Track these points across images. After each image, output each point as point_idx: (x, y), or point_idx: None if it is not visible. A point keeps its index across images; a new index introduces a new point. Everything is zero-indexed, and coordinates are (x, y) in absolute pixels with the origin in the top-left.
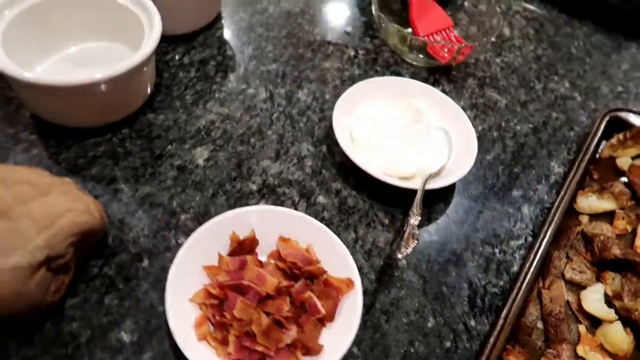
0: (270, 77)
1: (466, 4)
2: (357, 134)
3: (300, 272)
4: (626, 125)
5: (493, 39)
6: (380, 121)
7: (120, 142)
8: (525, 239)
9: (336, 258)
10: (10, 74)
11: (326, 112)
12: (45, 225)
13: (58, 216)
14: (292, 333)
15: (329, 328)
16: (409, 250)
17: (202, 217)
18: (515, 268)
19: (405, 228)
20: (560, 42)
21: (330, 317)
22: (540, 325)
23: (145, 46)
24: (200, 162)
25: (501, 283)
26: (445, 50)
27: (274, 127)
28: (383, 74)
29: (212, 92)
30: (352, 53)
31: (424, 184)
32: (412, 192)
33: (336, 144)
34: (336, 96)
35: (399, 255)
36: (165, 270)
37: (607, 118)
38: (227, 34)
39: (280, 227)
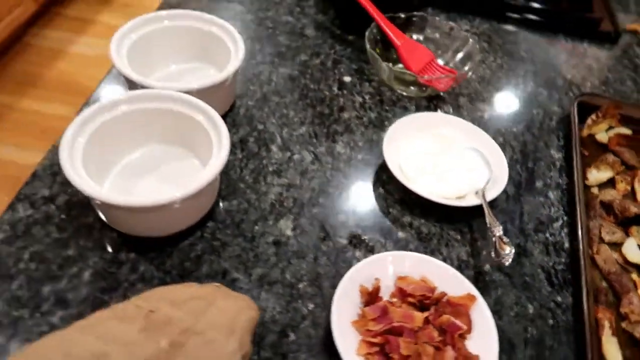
0: (306, 139)
1: (428, 31)
2: (406, 169)
3: (430, 301)
4: (591, 107)
5: (478, 59)
6: (420, 153)
7: (212, 236)
8: (562, 219)
9: (447, 280)
10: (107, 200)
11: (366, 157)
12: (230, 330)
13: (235, 318)
14: (451, 352)
15: (469, 340)
16: (510, 253)
17: (316, 282)
18: (566, 245)
19: (493, 239)
20: (511, 49)
21: (469, 330)
22: (604, 284)
23: (215, 162)
24: (289, 232)
25: (563, 260)
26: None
27: (332, 183)
28: (394, 111)
29: (265, 167)
30: (360, 99)
31: (484, 197)
32: (465, 209)
33: (389, 182)
34: (367, 141)
35: (506, 263)
36: (311, 337)
37: (576, 104)
38: (249, 109)
39: (392, 268)
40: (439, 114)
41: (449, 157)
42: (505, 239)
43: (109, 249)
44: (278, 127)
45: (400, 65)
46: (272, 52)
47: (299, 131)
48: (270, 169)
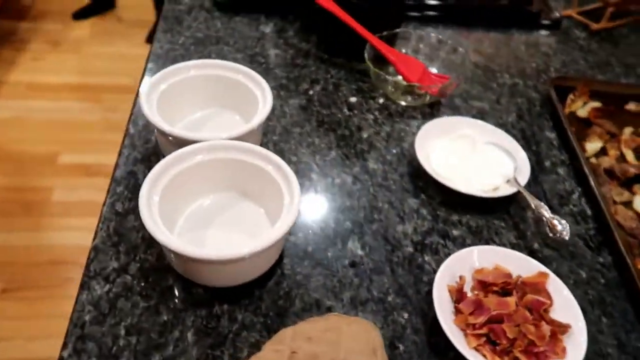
0: (339, 162)
1: (413, 44)
2: (441, 171)
3: (511, 285)
4: (564, 88)
5: (470, 65)
6: (449, 155)
7: (292, 271)
8: (577, 191)
9: (516, 263)
10: (184, 253)
11: (399, 169)
12: (371, 351)
13: (369, 340)
14: (546, 326)
15: (552, 312)
16: (566, 227)
17: (401, 292)
18: (589, 212)
19: (544, 219)
20: (478, 48)
21: (550, 304)
22: (630, 239)
23: (285, 219)
24: (360, 252)
25: (591, 226)
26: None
27: (379, 198)
28: (404, 122)
29: (314, 195)
30: (371, 116)
31: (518, 184)
32: (500, 198)
33: (428, 187)
34: (393, 154)
35: (566, 237)
36: (417, 343)
37: (553, 88)
38: (276, 144)
39: (467, 264)
40: (454, 117)
41: (475, 154)
42: (556, 217)
43: (201, 306)
44: (310, 155)
45: (400, 78)
46: (274, 85)
47: (330, 156)
48: (320, 196)
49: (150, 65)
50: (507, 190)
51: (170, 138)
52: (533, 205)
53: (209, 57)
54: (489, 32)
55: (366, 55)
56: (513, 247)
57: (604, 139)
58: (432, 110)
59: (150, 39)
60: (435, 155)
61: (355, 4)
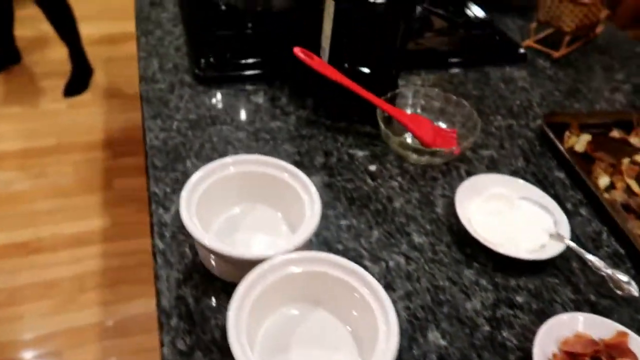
0: (385, 242)
1: (411, 100)
2: (487, 235)
3: (600, 352)
4: (556, 124)
5: (475, 115)
6: (488, 216)
7: None
8: (606, 230)
9: (592, 326)
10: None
11: (442, 238)
12: None
13: None
14: None
15: None
16: (631, 283)
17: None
18: (621, 251)
19: (604, 274)
20: (462, 90)
21: None
22: None
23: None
24: (442, 342)
25: (629, 264)
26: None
27: (437, 275)
28: (427, 184)
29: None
30: (396, 183)
31: (562, 238)
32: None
33: (477, 254)
34: (430, 221)
35: (635, 293)
36: None
37: (546, 126)
38: (319, 232)
39: (550, 335)
40: (481, 176)
41: (512, 212)
42: (618, 272)
43: None
44: (354, 240)
45: (409, 139)
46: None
47: (374, 237)
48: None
49: (155, 161)
50: (557, 247)
51: (222, 257)
52: (589, 262)
53: (210, 141)
54: (467, 72)
55: (380, 120)
56: (573, 303)
57: (609, 172)
58: (448, 166)
59: (69, 92)
60: (475, 219)
61: (356, 70)
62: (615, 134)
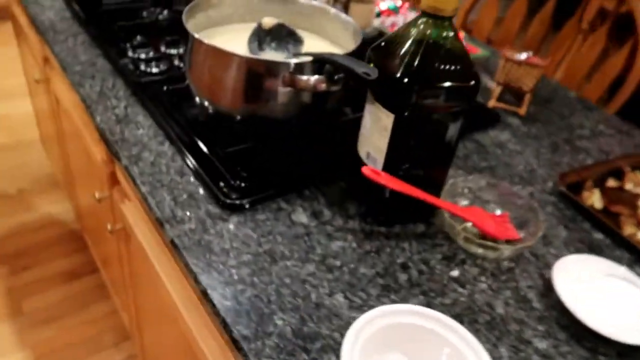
0: (517, 359)
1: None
2: (599, 324)
3: None
4: (570, 184)
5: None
6: (586, 301)
7: None
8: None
9: None
10: None
11: (557, 335)
12: None
13: None
14: None
15: None
16: None
17: None
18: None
19: None
20: (478, 163)
21: None
22: None
23: None
24: None
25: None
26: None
27: None
28: (510, 279)
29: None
30: (485, 286)
31: None
32: None
33: (597, 346)
34: (538, 319)
35: None
36: None
37: (563, 188)
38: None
39: None
40: (564, 258)
41: (606, 293)
42: None
43: None
44: None
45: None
46: (377, 293)
47: (502, 354)
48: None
49: (241, 331)
50: None
51: None
52: None
53: (284, 284)
54: (464, 143)
55: (447, 219)
56: None
57: (634, 224)
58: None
59: None
60: (579, 307)
61: (411, 174)
62: (612, 183)
